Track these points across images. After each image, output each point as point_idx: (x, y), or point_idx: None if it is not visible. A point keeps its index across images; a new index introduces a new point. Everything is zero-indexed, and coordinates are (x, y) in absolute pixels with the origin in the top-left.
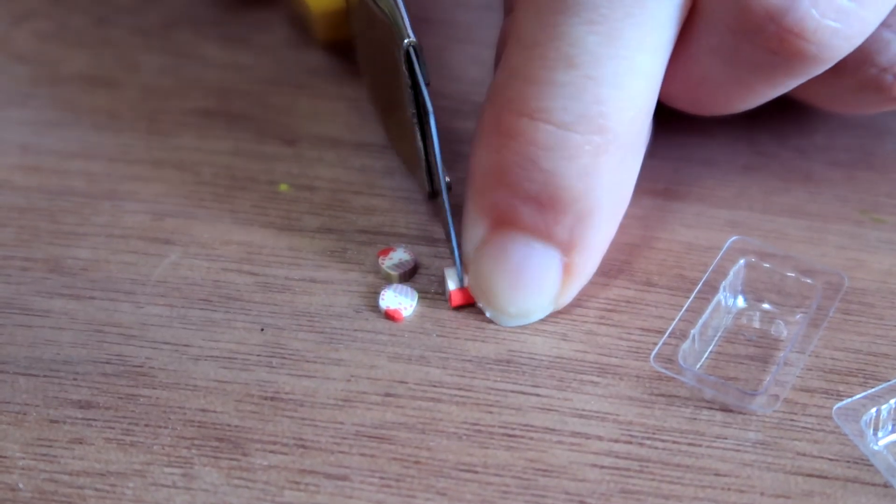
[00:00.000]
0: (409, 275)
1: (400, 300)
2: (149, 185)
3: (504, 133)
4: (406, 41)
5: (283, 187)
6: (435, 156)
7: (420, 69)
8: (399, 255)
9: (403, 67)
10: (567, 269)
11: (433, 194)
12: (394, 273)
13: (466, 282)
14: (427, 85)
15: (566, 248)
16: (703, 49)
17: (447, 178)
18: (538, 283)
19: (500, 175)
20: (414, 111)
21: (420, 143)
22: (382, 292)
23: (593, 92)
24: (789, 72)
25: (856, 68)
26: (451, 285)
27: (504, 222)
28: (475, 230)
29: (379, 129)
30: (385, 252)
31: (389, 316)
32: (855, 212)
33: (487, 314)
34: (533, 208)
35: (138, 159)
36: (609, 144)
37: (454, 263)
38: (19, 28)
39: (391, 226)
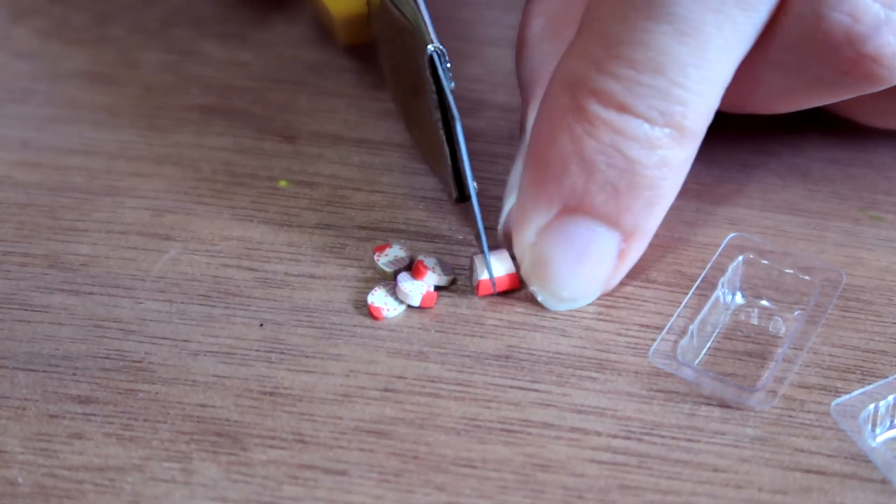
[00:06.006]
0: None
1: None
2: (148, 181)
3: (589, 121)
4: (430, 46)
5: (283, 183)
6: (462, 161)
7: (444, 74)
8: (395, 252)
9: (428, 73)
10: (622, 255)
11: (461, 199)
12: (388, 270)
13: (503, 270)
14: (452, 91)
15: (628, 233)
16: (769, 60)
17: (475, 184)
18: (596, 267)
19: (581, 160)
20: (439, 117)
21: (447, 149)
22: (375, 289)
23: (678, 95)
24: (852, 90)
25: None
26: (481, 275)
27: (574, 208)
28: (540, 216)
29: (378, 125)
30: (380, 249)
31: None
32: (853, 209)
33: (539, 298)
34: (608, 194)
35: (138, 156)
36: (685, 140)
37: (483, 264)
38: (20, 25)
39: (390, 222)
